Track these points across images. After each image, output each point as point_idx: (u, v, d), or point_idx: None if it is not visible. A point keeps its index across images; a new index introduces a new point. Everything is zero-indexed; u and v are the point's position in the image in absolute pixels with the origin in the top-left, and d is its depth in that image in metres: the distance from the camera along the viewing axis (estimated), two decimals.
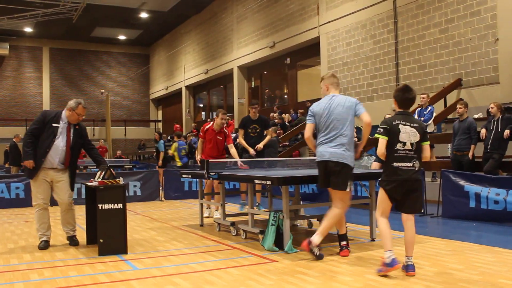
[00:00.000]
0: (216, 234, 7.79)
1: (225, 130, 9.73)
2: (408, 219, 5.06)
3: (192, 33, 30.66)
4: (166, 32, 34.02)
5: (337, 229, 6.15)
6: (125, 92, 37.96)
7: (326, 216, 5.93)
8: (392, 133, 4.91)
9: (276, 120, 19.74)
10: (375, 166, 11.35)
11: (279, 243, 6.30)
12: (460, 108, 10.24)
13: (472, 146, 9.70)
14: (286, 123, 19.72)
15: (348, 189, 5.76)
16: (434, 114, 12.01)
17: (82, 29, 31.89)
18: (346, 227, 7.31)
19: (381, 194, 5.04)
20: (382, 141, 4.93)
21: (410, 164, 4.93)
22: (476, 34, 13.20)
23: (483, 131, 9.93)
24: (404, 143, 4.91)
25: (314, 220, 8.26)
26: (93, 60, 37.03)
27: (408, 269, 4.91)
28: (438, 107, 12.99)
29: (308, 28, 19.69)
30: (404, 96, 5.07)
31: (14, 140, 19.35)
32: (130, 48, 37.77)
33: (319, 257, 5.67)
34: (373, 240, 6.84)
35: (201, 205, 8.86)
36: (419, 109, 12.24)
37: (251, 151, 9.85)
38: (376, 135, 4.98)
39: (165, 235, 7.82)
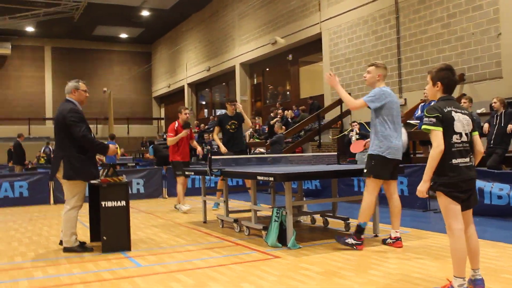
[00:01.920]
0: (219, 230, 7.80)
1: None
2: (469, 226, 4.09)
3: (194, 31, 30.65)
4: (168, 30, 34.02)
5: (366, 221, 6.14)
6: (128, 90, 37.98)
7: (395, 210, 6.38)
8: (446, 123, 3.92)
9: (278, 117, 19.72)
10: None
11: (282, 239, 6.30)
12: (464, 103, 10.22)
13: (476, 134, 9.69)
14: (289, 119, 19.72)
15: None
16: None
17: (83, 28, 31.92)
18: (348, 222, 7.33)
19: (443, 200, 3.98)
20: (438, 133, 3.89)
21: (468, 159, 4.00)
22: (478, 28, 13.17)
23: (486, 126, 9.92)
24: (460, 134, 3.96)
25: (317, 216, 8.26)
26: (95, 58, 37.05)
27: (476, 284, 4.03)
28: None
29: (309, 24, 19.66)
30: (454, 78, 4.11)
31: (18, 139, 19.39)
32: (132, 46, 37.78)
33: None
34: (376, 236, 6.83)
35: (204, 202, 8.86)
36: (423, 104, 12.24)
37: (223, 149, 10.20)
38: (426, 127, 3.96)
39: (168, 232, 7.83)
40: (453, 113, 3.96)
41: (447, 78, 4.07)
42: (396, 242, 6.14)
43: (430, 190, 4.07)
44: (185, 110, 10.66)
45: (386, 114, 6.09)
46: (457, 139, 3.95)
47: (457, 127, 3.96)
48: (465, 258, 3.91)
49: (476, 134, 4.15)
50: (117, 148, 6.88)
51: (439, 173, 3.97)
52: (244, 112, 10.71)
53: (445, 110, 3.95)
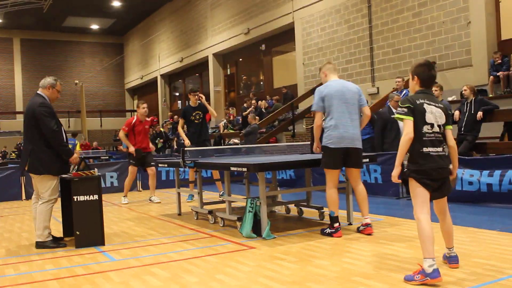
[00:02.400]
0: (194, 222, 7.77)
1: (147, 119, 10.94)
2: (443, 210, 4.41)
3: (166, 21, 30.38)
4: (140, 20, 33.67)
5: (333, 210, 6.25)
6: (100, 82, 37.56)
7: (359, 197, 6.41)
8: (418, 113, 4.14)
9: (251, 108, 19.69)
10: None
11: (257, 229, 6.31)
12: (435, 90, 10.30)
13: (449, 126, 9.81)
14: (263, 109, 19.71)
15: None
16: None
17: (53, 19, 31.40)
18: (322, 211, 7.39)
19: (414, 186, 4.19)
20: (409, 122, 4.12)
21: (441, 149, 4.18)
22: (448, 17, 13.31)
23: (457, 113, 10.06)
24: (432, 125, 4.15)
25: (291, 206, 8.29)
26: (66, 50, 36.51)
27: (451, 260, 4.46)
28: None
29: (282, 14, 19.65)
30: (430, 73, 4.30)
31: None
32: (103, 37, 37.31)
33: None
34: (350, 224, 6.89)
35: (178, 194, 8.82)
36: (394, 92, 12.33)
37: (187, 141, 10.18)
38: (398, 116, 4.19)
39: (142, 225, 7.78)
40: (425, 105, 4.17)
41: (424, 73, 4.29)
42: (366, 228, 6.20)
43: (402, 176, 4.25)
44: (142, 105, 10.81)
45: (327, 106, 6.24)
46: (428, 129, 4.15)
47: (429, 118, 4.15)
48: (431, 240, 4.09)
49: (448, 128, 4.32)
50: (77, 151, 6.82)
51: (411, 160, 4.21)
52: (206, 103, 10.61)
53: (417, 102, 4.17)
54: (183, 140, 10.28)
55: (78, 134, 19.22)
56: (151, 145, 11.20)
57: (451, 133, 4.36)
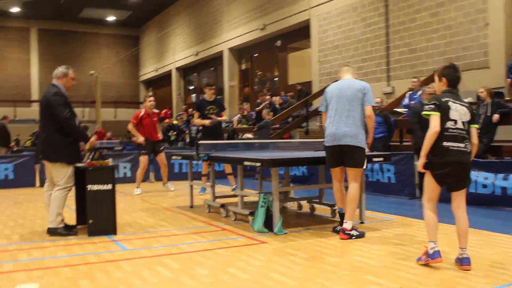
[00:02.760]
0: (205, 215, 7.80)
1: (155, 111, 11.14)
2: (460, 207, 4.59)
3: (182, 15, 30.41)
4: (156, 13, 33.72)
5: (341, 207, 6.27)
6: (115, 73, 37.68)
7: (346, 198, 6.11)
8: (442, 110, 4.48)
9: (263, 104, 19.67)
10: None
11: (268, 224, 6.32)
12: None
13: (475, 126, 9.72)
14: (277, 105, 19.68)
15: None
16: None
17: (70, 9, 31.52)
18: (335, 208, 7.37)
19: (428, 178, 4.60)
20: (435, 117, 4.46)
21: (463, 145, 4.48)
22: (466, 18, 13.20)
23: None
24: (455, 121, 4.48)
25: (304, 202, 8.29)
26: (82, 41, 36.65)
27: (463, 262, 4.49)
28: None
29: (299, 10, 19.58)
30: (456, 75, 4.68)
31: (2, 121, 19.17)
32: (119, 29, 37.42)
33: (362, 235, 5.93)
34: (362, 222, 6.88)
35: (191, 186, 8.85)
36: (410, 92, 12.27)
37: (207, 122, 10.15)
38: (426, 112, 4.52)
39: (154, 216, 7.82)
40: (450, 103, 4.52)
41: (450, 75, 4.68)
42: (340, 233, 5.93)
43: (424, 167, 4.59)
44: (149, 98, 11.04)
45: (328, 105, 6.23)
46: (451, 125, 4.48)
47: (453, 115, 4.49)
48: (434, 225, 4.59)
49: (473, 127, 4.63)
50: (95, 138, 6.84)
51: (432, 153, 4.53)
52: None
53: (443, 100, 4.53)
54: (202, 126, 10.31)
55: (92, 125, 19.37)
56: (160, 135, 11.43)
57: (475, 131, 4.65)
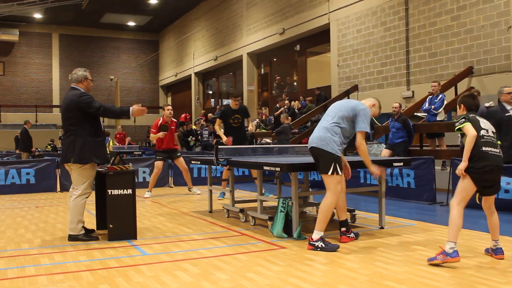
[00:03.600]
0: (225, 220, 7.81)
1: (173, 119, 11.35)
2: (491, 205, 5.09)
3: (202, 19, 30.57)
4: (176, 18, 33.94)
5: (337, 215, 6.20)
6: (135, 78, 38.00)
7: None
8: (473, 122, 4.92)
9: (282, 108, 19.67)
10: (384, 154, 11.34)
11: (288, 229, 6.31)
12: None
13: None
14: (296, 110, 19.68)
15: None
16: (445, 102, 11.94)
17: (91, 15, 31.89)
18: (354, 213, 7.34)
19: (467, 181, 4.88)
20: (468, 126, 4.88)
21: (498, 150, 4.92)
22: (488, 21, 13.07)
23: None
24: (487, 130, 4.94)
25: None
26: (103, 46, 37.05)
27: (497, 252, 5.04)
28: (449, 95, 12.91)
29: (318, 14, 19.57)
30: (474, 102, 5.15)
31: (24, 126, 19.42)
32: (139, 34, 37.74)
33: (331, 248, 5.52)
34: (382, 228, 6.83)
35: (210, 191, 8.88)
36: (430, 97, 12.19)
37: (224, 139, 10.19)
38: (459, 126, 4.94)
39: (174, 221, 7.85)
40: (477, 117, 5.03)
41: (468, 102, 5.15)
42: (309, 245, 5.64)
43: (465, 171, 4.87)
44: (167, 107, 11.31)
45: None
46: (484, 133, 4.92)
47: (483, 124, 4.97)
48: (458, 227, 4.80)
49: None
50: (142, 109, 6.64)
51: (474, 158, 4.83)
52: (252, 125, 10.56)
53: (470, 115, 5.03)
54: (221, 139, 10.35)
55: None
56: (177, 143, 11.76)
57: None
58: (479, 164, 4.80)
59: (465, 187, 4.90)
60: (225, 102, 30.57)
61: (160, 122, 11.13)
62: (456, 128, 5.00)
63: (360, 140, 5.67)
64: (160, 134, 10.94)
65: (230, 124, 10.19)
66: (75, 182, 6.37)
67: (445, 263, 4.75)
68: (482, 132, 4.89)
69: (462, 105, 5.18)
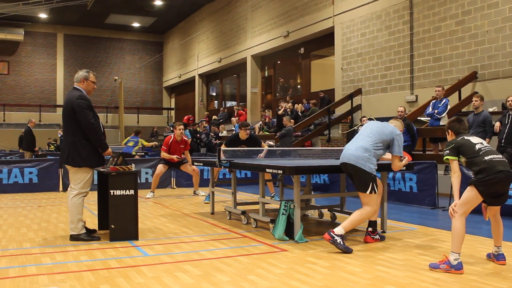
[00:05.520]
0: (226, 222, 7.81)
1: (184, 138, 11.43)
2: (497, 214, 5.10)
3: (206, 21, 30.60)
4: (180, 20, 33.98)
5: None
6: (138, 79, 38.03)
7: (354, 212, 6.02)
8: (463, 145, 4.98)
9: (281, 110, 19.67)
10: (387, 157, 11.31)
11: (289, 232, 6.31)
12: (475, 101, 10.15)
13: (487, 139, 9.62)
14: (299, 113, 19.68)
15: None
16: (449, 107, 11.93)
17: (96, 15, 31.95)
18: None
19: (472, 194, 4.81)
20: (454, 162, 4.97)
21: (500, 156, 4.92)
22: (493, 26, 13.05)
23: (498, 124, 9.85)
24: (482, 143, 5.00)
25: (325, 211, 8.25)
26: (107, 47, 37.11)
27: (499, 258, 5.06)
28: (453, 100, 12.88)
29: (322, 18, 19.56)
30: (461, 126, 5.20)
31: (28, 125, 19.46)
32: (144, 35, 37.79)
33: (345, 249, 5.60)
34: (383, 232, 6.81)
35: (213, 193, 8.88)
36: (434, 101, 12.17)
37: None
38: (445, 158, 5.02)
39: (175, 222, 7.86)
40: (465, 136, 5.06)
41: (454, 127, 5.20)
42: (326, 233, 5.80)
43: (468, 184, 4.88)
44: (179, 126, 11.43)
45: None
46: (481, 145, 4.95)
47: (475, 140, 5.01)
48: (462, 238, 4.76)
49: None
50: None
51: (478, 171, 4.81)
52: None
53: (458, 139, 5.05)
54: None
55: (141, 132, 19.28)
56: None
57: None
58: (488, 176, 4.73)
59: (470, 200, 4.83)
60: (228, 104, 30.60)
61: (171, 140, 11.23)
62: (444, 158, 5.06)
63: (397, 164, 6.15)
64: (174, 157, 11.12)
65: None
66: (72, 182, 6.41)
67: (448, 273, 4.70)
68: (478, 146, 4.91)
69: (449, 131, 5.24)
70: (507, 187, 4.88)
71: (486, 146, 4.95)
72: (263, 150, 10.09)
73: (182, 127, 11.44)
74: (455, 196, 4.89)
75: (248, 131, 10.09)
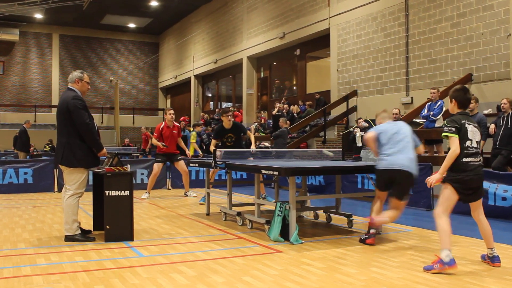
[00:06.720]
0: (222, 223, 7.81)
1: (175, 124, 11.29)
2: (480, 214, 5.10)
3: (202, 22, 30.59)
4: (176, 21, 33.95)
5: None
6: (134, 80, 37.98)
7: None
8: (462, 131, 4.96)
9: (275, 111, 19.69)
10: None
11: (285, 234, 6.31)
12: (470, 103, 10.15)
13: (482, 141, 9.63)
14: (295, 114, 19.69)
15: None
16: (444, 109, 11.95)
17: (92, 16, 31.87)
18: (352, 219, 7.34)
19: (449, 190, 4.97)
20: (455, 139, 4.92)
21: (478, 160, 5.00)
22: (488, 29, 13.09)
23: (493, 126, 9.88)
24: (472, 141, 4.99)
25: (320, 212, 8.26)
26: (103, 47, 37.03)
27: (494, 260, 5.07)
28: (448, 102, 12.88)
29: (318, 19, 19.59)
30: (466, 97, 5.16)
31: (24, 125, 19.42)
32: (139, 36, 37.74)
33: (368, 237, 6.15)
34: (379, 233, 6.82)
35: (208, 194, 8.88)
36: (429, 103, 12.19)
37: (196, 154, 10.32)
38: (447, 134, 4.97)
39: (171, 223, 7.85)
40: (467, 125, 5.00)
41: (460, 97, 5.15)
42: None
43: (442, 182, 5.00)
44: (169, 111, 11.30)
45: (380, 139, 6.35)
46: (469, 144, 4.96)
47: (470, 135, 4.98)
48: (448, 234, 4.86)
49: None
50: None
51: (453, 169, 4.92)
52: (252, 135, 10.34)
53: (461, 122, 5.00)
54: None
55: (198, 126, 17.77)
56: (187, 151, 11.97)
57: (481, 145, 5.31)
58: (459, 174, 4.89)
59: (448, 197, 4.97)
60: (224, 105, 30.58)
61: (162, 126, 11.17)
62: (443, 134, 5.03)
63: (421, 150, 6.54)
64: (160, 144, 11.05)
65: (224, 143, 9.95)
66: (67, 182, 6.40)
67: (443, 271, 4.75)
68: (467, 143, 4.94)
69: (454, 100, 5.18)
70: (478, 184, 5.00)
71: (473, 147, 4.96)
72: (251, 143, 10.13)
73: (172, 111, 11.34)
74: (442, 167, 4.93)
75: (229, 117, 9.99)
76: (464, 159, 4.91)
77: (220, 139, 10.13)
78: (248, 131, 10.29)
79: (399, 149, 6.18)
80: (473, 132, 5.00)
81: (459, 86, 5.25)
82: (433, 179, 5.00)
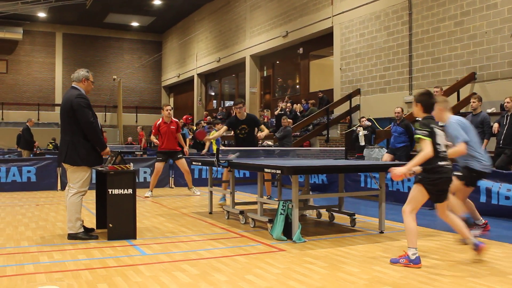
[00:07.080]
0: (224, 222, 7.81)
1: (174, 119, 11.29)
2: (445, 211, 5.34)
3: (205, 21, 30.59)
4: (179, 19, 33.96)
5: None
6: (137, 78, 38.00)
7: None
8: (434, 136, 5.03)
9: (278, 110, 19.69)
10: (386, 158, 11.34)
11: (287, 232, 6.31)
12: (474, 102, 10.13)
13: (485, 140, 9.61)
14: (298, 113, 19.68)
15: None
16: None
17: (95, 15, 31.91)
18: (354, 217, 7.32)
19: (420, 191, 5.09)
20: (428, 142, 4.98)
21: (449, 163, 5.15)
22: (491, 27, 13.06)
23: (496, 125, 9.86)
24: (440, 145, 5.09)
25: (323, 211, 8.26)
26: (106, 46, 37.06)
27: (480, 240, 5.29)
28: (451, 101, 12.86)
29: (321, 18, 19.57)
30: (431, 101, 5.21)
31: (27, 124, 19.45)
32: (142, 35, 37.76)
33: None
34: (381, 232, 6.83)
35: (211, 192, 8.88)
36: None
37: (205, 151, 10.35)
38: (420, 136, 5.00)
39: (173, 221, 7.86)
40: (435, 129, 5.07)
41: (426, 101, 5.18)
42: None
43: (415, 182, 5.14)
44: (166, 107, 11.31)
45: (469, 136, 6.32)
46: (439, 148, 5.05)
47: (439, 139, 5.06)
48: (415, 233, 5.02)
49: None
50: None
51: (426, 171, 5.04)
52: (267, 131, 9.77)
53: (432, 126, 5.05)
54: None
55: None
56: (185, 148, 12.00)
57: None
58: (435, 176, 5.01)
59: (417, 196, 5.11)
60: (227, 104, 30.58)
61: (159, 122, 11.22)
62: (417, 136, 5.05)
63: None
64: (153, 139, 11.30)
65: (237, 135, 9.58)
66: (70, 181, 6.40)
67: (408, 267, 4.94)
68: (438, 147, 5.03)
69: (419, 104, 5.19)
70: (448, 186, 5.20)
71: (442, 151, 5.08)
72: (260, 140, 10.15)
73: (169, 107, 11.33)
74: (411, 164, 4.99)
75: (239, 108, 9.42)
76: (439, 163, 5.03)
77: (233, 130, 9.69)
78: (262, 125, 9.93)
79: (480, 148, 6.38)
80: (441, 136, 5.11)
81: (424, 90, 5.34)
82: (398, 172, 5.07)
